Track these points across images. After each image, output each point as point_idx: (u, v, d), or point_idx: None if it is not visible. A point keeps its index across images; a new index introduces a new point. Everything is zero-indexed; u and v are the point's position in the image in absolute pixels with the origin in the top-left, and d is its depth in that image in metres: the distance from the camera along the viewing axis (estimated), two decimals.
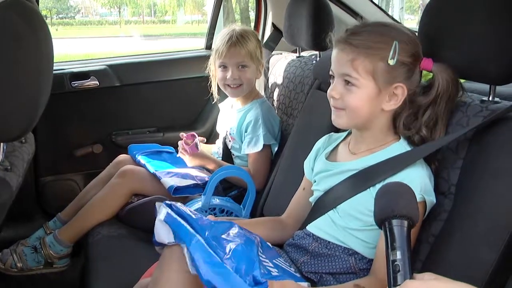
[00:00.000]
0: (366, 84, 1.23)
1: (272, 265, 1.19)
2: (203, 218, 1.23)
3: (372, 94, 1.24)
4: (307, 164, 1.51)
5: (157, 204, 1.20)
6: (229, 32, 2.07)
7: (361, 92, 1.24)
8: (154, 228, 1.18)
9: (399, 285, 0.78)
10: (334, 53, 1.29)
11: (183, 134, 2.12)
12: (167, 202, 1.22)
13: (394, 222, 0.85)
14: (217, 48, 2.08)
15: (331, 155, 1.43)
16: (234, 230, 1.16)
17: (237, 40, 2.04)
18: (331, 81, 1.31)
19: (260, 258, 1.14)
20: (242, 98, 2.15)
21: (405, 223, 0.86)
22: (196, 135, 2.12)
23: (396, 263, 0.81)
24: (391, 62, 1.21)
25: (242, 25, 2.18)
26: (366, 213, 1.25)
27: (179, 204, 1.22)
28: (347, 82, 1.25)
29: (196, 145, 2.08)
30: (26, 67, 1.08)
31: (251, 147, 2.03)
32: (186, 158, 2.11)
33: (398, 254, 0.82)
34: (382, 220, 0.87)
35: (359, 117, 1.28)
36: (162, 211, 1.16)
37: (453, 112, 1.26)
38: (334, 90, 1.27)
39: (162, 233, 1.15)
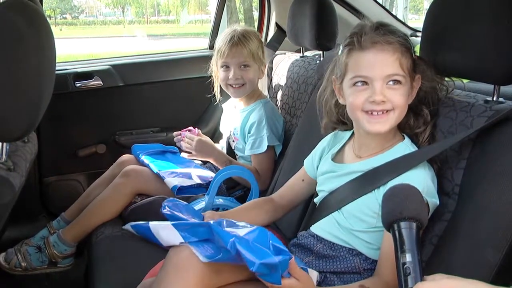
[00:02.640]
0: (407, 80, 1.23)
1: None
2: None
3: (408, 89, 1.24)
4: (309, 161, 1.51)
5: (151, 223, 1.22)
6: (230, 32, 2.07)
7: (402, 89, 1.22)
8: (157, 237, 1.18)
9: None
10: (370, 56, 1.22)
11: (176, 132, 2.15)
12: (165, 207, 1.24)
13: (403, 224, 0.85)
14: (219, 48, 2.08)
15: (337, 156, 1.43)
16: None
17: (239, 40, 2.03)
18: (359, 86, 1.24)
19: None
20: (245, 98, 2.14)
21: (414, 225, 0.85)
22: (192, 128, 2.17)
23: (406, 266, 0.80)
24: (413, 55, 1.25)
25: (244, 25, 2.18)
26: (370, 214, 1.25)
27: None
28: (395, 82, 1.21)
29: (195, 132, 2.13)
30: (27, 67, 1.08)
31: (255, 149, 2.03)
32: (193, 150, 2.10)
33: (408, 257, 0.81)
34: (391, 222, 0.86)
35: (403, 114, 1.26)
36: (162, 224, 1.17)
37: (457, 112, 1.25)
38: (380, 94, 1.20)
39: (170, 237, 1.15)
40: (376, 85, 1.20)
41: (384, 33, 1.22)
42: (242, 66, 2.06)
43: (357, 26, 1.28)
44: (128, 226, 1.26)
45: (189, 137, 2.11)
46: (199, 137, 2.11)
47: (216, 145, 2.32)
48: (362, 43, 1.22)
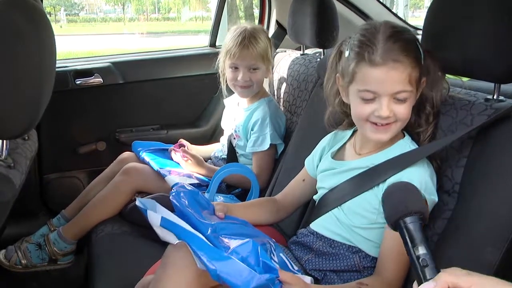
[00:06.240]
0: (413, 93, 1.22)
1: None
2: (207, 214, 1.24)
3: (414, 99, 1.24)
4: (310, 160, 1.51)
5: (148, 211, 1.20)
6: (241, 32, 2.03)
7: (409, 101, 1.21)
8: (156, 232, 1.18)
9: (430, 279, 0.78)
10: (380, 73, 1.17)
11: (171, 148, 2.16)
12: (173, 195, 1.23)
13: (409, 219, 0.85)
14: (228, 48, 2.03)
15: (338, 154, 1.43)
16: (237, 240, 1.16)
17: (249, 42, 2.00)
18: (366, 99, 1.21)
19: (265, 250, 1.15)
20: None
21: (419, 218, 0.85)
22: (183, 140, 2.20)
23: (422, 258, 0.80)
24: (423, 62, 1.22)
25: (251, 23, 2.14)
26: (371, 210, 1.25)
27: (181, 195, 1.23)
28: (402, 99, 1.20)
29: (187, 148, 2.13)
30: (28, 65, 1.08)
31: (257, 146, 2.03)
32: (183, 164, 2.10)
33: (421, 249, 0.81)
34: (397, 220, 0.86)
35: (405, 123, 1.26)
36: (155, 217, 1.16)
37: (458, 110, 1.25)
38: (387, 110, 1.19)
39: (167, 236, 1.15)
40: (383, 100, 1.19)
41: (396, 47, 1.17)
42: (251, 69, 2.04)
43: (366, 31, 1.22)
44: (139, 201, 1.26)
45: (177, 160, 2.11)
46: (185, 160, 2.08)
47: (215, 145, 2.32)
48: (372, 59, 1.18)
